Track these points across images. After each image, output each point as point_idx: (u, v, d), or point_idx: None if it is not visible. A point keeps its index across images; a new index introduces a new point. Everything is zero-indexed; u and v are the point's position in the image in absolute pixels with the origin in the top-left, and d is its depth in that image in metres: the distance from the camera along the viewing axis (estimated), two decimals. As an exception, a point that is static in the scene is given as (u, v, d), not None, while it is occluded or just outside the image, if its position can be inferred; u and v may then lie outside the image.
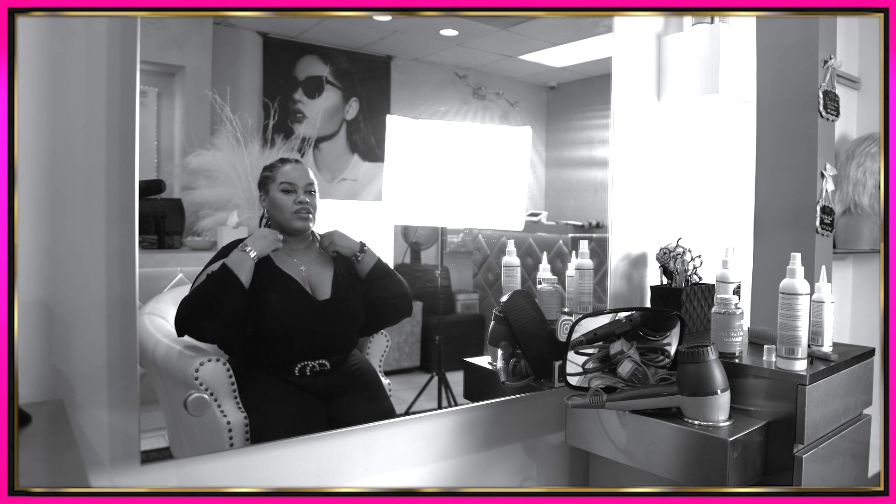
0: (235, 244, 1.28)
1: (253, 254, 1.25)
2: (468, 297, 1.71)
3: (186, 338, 1.22)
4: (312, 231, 1.36)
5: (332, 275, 1.37)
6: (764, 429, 1.38)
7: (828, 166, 2.16)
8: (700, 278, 1.84)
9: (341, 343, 1.40)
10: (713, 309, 1.50)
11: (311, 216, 1.33)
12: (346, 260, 1.39)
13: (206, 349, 1.24)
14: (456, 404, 1.59)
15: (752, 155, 2.31)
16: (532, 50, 1.74)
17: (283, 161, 1.33)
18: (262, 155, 1.31)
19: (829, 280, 1.56)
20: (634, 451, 1.42)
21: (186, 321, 1.20)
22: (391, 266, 1.48)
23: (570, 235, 1.79)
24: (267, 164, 1.32)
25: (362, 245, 1.39)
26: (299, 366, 1.33)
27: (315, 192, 1.34)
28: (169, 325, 1.21)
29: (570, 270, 1.73)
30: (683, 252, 1.80)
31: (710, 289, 1.82)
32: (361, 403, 1.42)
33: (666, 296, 1.79)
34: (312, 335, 1.34)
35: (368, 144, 1.47)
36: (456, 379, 1.61)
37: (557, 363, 1.53)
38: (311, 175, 1.33)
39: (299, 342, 1.33)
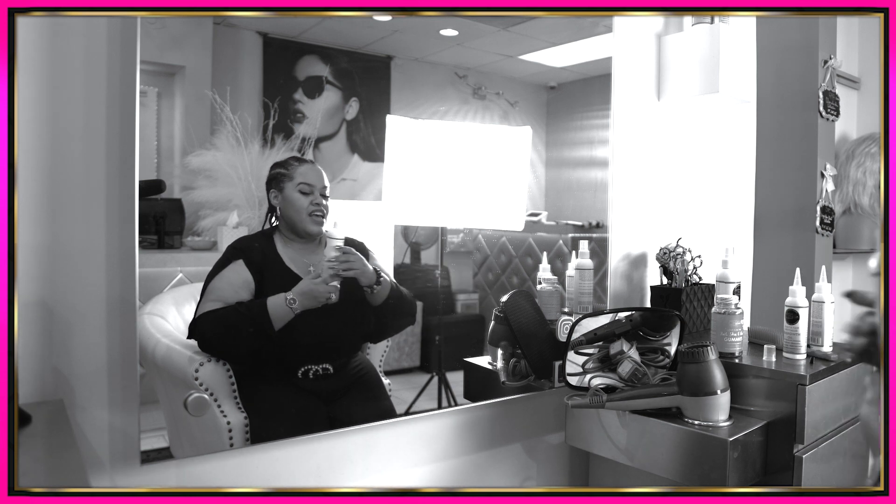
0: (246, 241, 1.28)
1: (298, 310, 1.26)
2: (468, 297, 1.71)
3: (187, 339, 1.22)
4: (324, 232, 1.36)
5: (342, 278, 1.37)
6: (764, 429, 1.38)
7: (828, 166, 2.16)
8: (700, 278, 1.84)
9: (346, 348, 1.40)
10: (713, 309, 1.50)
11: (324, 219, 1.33)
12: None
13: (206, 349, 1.24)
14: (456, 404, 1.58)
15: (752, 155, 2.31)
16: (532, 50, 1.74)
17: (298, 161, 1.33)
18: (262, 155, 1.31)
19: (829, 280, 1.56)
20: (634, 451, 1.42)
21: (205, 340, 1.21)
22: (391, 267, 1.48)
23: (570, 235, 1.79)
24: (279, 161, 1.31)
25: (378, 276, 1.36)
26: (302, 370, 1.32)
27: (328, 195, 1.34)
28: (169, 325, 1.21)
29: (570, 270, 1.73)
30: (683, 252, 1.80)
31: (710, 289, 1.82)
32: (362, 403, 1.42)
33: (666, 296, 1.79)
34: (319, 339, 1.34)
35: (368, 144, 1.47)
36: (456, 379, 1.61)
37: (557, 363, 1.53)
38: (326, 179, 1.34)
39: (304, 346, 1.33)
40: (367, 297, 1.37)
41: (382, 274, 1.38)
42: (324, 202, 1.33)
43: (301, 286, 1.26)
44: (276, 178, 1.31)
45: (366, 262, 1.35)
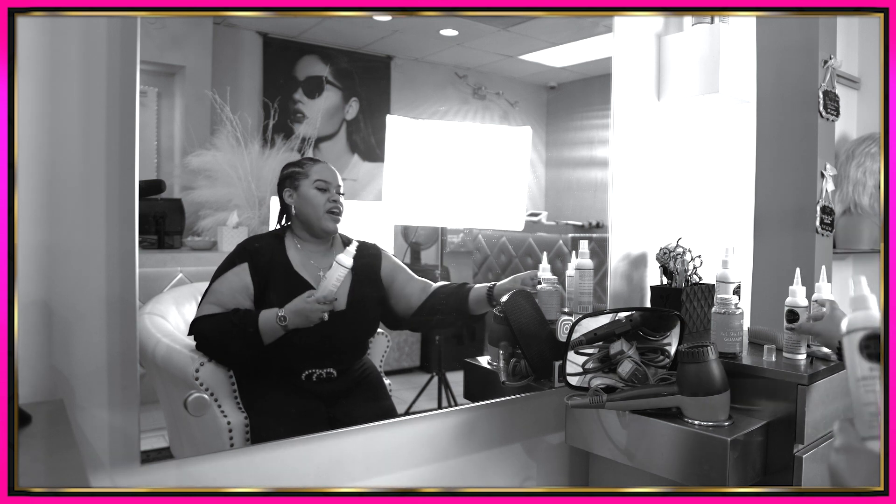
0: (255, 242, 1.28)
1: (290, 328, 1.25)
2: (468, 297, 1.71)
3: (187, 338, 1.22)
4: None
5: (350, 282, 1.36)
6: (764, 429, 1.38)
7: (828, 166, 2.16)
8: (700, 278, 1.84)
9: (352, 353, 1.40)
10: (713, 309, 1.50)
11: (341, 216, 1.33)
12: (371, 270, 1.39)
13: (206, 349, 1.24)
14: (456, 404, 1.59)
15: (752, 155, 2.31)
16: (532, 50, 1.74)
17: (312, 160, 1.33)
18: (262, 155, 1.31)
19: (829, 280, 1.56)
20: (634, 451, 1.42)
21: (201, 343, 1.22)
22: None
23: (570, 235, 1.79)
24: (292, 161, 1.32)
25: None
26: (306, 373, 1.32)
27: (343, 193, 1.34)
28: (169, 325, 1.21)
29: (570, 270, 1.73)
30: (683, 252, 1.80)
31: (710, 289, 1.82)
32: (363, 404, 1.41)
33: (666, 296, 1.79)
34: (324, 345, 1.33)
35: (368, 144, 1.47)
36: (456, 379, 1.61)
37: (557, 363, 1.53)
38: (340, 178, 1.34)
39: (309, 351, 1.32)
40: (477, 302, 1.47)
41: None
42: (340, 199, 1.33)
43: (294, 304, 1.25)
44: (291, 177, 1.30)
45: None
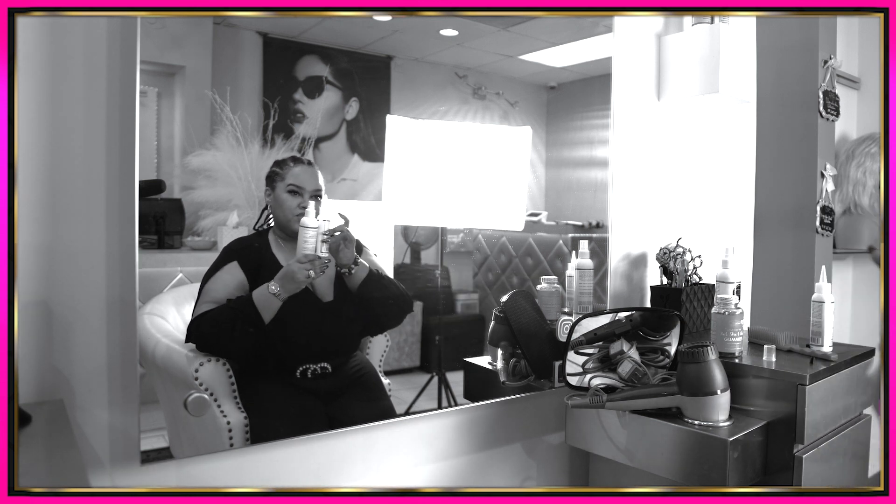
0: (241, 242, 1.28)
1: (283, 296, 1.24)
2: (468, 297, 1.72)
3: (185, 341, 1.22)
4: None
5: (335, 274, 1.37)
6: (764, 429, 1.38)
7: (828, 166, 2.16)
8: (700, 278, 1.84)
9: (344, 346, 1.40)
10: (713, 309, 1.50)
11: None
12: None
13: (206, 349, 1.24)
14: (456, 404, 1.59)
15: (752, 155, 2.31)
16: (532, 50, 1.74)
17: (294, 161, 1.32)
18: (262, 155, 1.31)
19: (830, 280, 1.56)
20: (634, 451, 1.42)
21: (202, 341, 1.21)
22: (391, 267, 1.48)
23: (570, 235, 1.79)
24: (278, 160, 1.31)
25: (356, 259, 1.35)
26: (301, 368, 1.33)
27: (321, 197, 1.34)
28: (169, 325, 1.21)
29: (570, 270, 1.73)
30: (683, 252, 1.80)
31: (710, 289, 1.82)
32: (362, 403, 1.42)
33: (666, 296, 1.79)
34: (315, 337, 1.34)
35: (368, 144, 1.47)
36: (456, 379, 1.61)
37: (557, 363, 1.53)
38: (321, 180, 1.33)
39: (302, 344, 1.33)
40: (346, 280, 1.36)
41: (361, 259, 1.36)
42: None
43: (280, 271, 1.26)
44: (271, 177, 1.31)
45: (352, 238, 1.32)
